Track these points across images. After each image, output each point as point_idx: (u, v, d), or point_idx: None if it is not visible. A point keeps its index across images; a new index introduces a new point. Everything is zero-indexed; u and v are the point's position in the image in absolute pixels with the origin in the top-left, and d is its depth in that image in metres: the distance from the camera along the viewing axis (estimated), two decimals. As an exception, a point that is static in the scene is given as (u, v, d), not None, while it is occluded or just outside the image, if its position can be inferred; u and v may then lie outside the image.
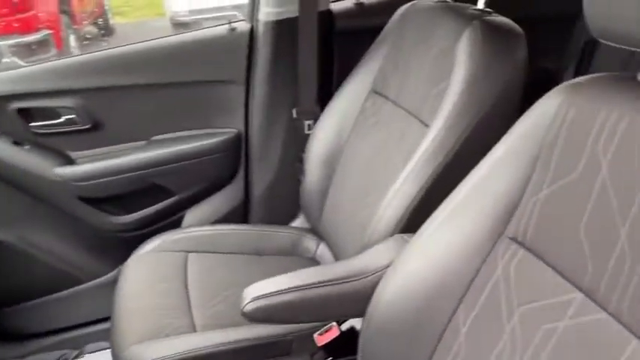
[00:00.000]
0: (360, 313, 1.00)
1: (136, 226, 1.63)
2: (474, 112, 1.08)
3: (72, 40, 4.29)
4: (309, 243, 1.51)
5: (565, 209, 0.73)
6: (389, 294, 0.90)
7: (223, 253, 1.45)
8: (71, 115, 1.52)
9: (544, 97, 0.80)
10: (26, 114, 1.50)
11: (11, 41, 3.54)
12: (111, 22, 5.11)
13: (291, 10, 1.50)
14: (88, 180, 1.54)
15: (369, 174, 1.29)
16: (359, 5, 1.65)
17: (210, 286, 1.32)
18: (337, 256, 1.38)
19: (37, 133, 1.53)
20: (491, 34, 1.10)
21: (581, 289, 0.70)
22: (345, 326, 1.14)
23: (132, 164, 1.56)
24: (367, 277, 0.97)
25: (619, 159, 0.67)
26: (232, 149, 1.63)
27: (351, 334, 1.15)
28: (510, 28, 1.12)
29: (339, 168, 1.41)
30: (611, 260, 0.66)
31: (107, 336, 1.29)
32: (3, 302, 1.63)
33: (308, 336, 1.14)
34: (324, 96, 1.53)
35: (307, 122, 1.54)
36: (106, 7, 5.11)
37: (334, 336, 1.12)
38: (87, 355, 1.54)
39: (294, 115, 1.55)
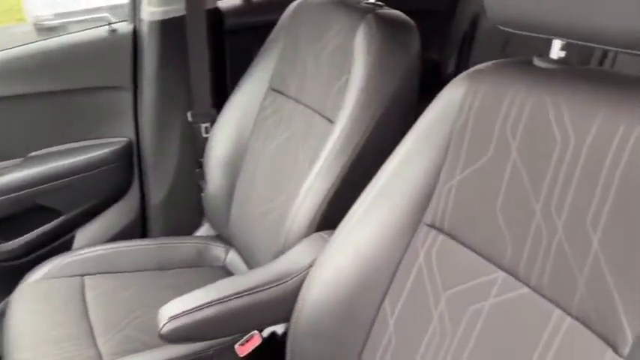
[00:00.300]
0: (285, 318, 0.97)
1: (21, 252, 1.47)
2: (377, 105, 1.09)
3: None
4: (218, 251, 1.45)
5: (480, 193, 0.76)
6: (314, 294, 0.88)
7: (124, 272, 1.35)
8: None
9: (449, 86, 0.82)
10: None
11: None
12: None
13: (177, 9, 1.44)
14: (-42, 206, 1.37)
15: (276, 174, 1.26)
16: (247, 2, 1.61)
17: (113, 311, 1.22)
18: (249, 262, 1.34)
19: None
20: (386, 27, 1.12)
21: (502, 268, 0.72)
22: (266, 333, 1.11)
23: (8, 185, 1.41)
24: (290, 279, 0.94)
25: (527, 139, 0.70)
26: (124, 159, 1.53)
27: (274, 340, 1.12)
28: (403, 20, 1.15)
29: (242, 170, 1.36)
30: (528, 237, 0.69)
31: (-2, 380, 1.15)
32: None
33: (229, 348, 1.08)
34: (219, 97, 1.48)
35: (204, 125, 1.48)
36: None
37: (256, 344, 1.08)
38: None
39: (190, 119, 1.49)
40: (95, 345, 1.12)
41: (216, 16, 1.55)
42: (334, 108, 1.14)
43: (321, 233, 1.03)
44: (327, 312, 0.87)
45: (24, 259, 1.47)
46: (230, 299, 0.91)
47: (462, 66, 1.73)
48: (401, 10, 1.18)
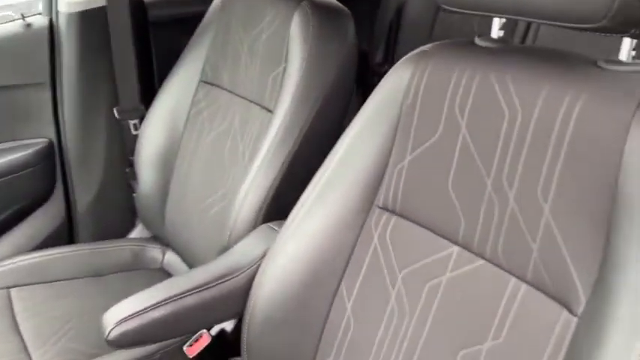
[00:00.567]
0: (236, 314, 0.95)
1: None
2: (317, 93, 1.09)
3: None
4: (154, 252, 1.39)
5: (431, 171, 0.77)
6: (269, 283, 0.87)
7: (53, 281, 1.27)
8: None
9: (394, 69, 0.83)
10: None
11: None
12: None
13: (97, 0, 1.35)
14: None
15: (214, 169, 1.22)
16: (170, -7, 1.55)
17: (46, 322, 1.14)
18: (189, 261, 1.29)
19: None
20: (321, 14, 1.12)
21: (457, 243, 0.74)
22: (214, 331, 1.08)
23: None
24: (242, 273, 0.92)
25: (476, 116, 0.72)
26: (45, 162, 1.43)
27: (223, 338, 1.09)
28: (338, 7, 1.15)
29: (176, 167, 1.31)
30: (481, 211, 0.71)
31: None
32: None
33: (177, 350, 1.04)
34: (147, 92, 1.42)
35: (132, 122, 1.42)
36: None
37: (206, 344, 1.05)
38: None
39: (117, 116, 1.41)
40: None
41: (139, 7, 1.48)
42: (272, 97, 1.12)
43: (270, 224, 1.01)
44: (283, 302, 0.86)
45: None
46: (180, 297, 0.87)
47: (389, 55, 1.76)
48: None
